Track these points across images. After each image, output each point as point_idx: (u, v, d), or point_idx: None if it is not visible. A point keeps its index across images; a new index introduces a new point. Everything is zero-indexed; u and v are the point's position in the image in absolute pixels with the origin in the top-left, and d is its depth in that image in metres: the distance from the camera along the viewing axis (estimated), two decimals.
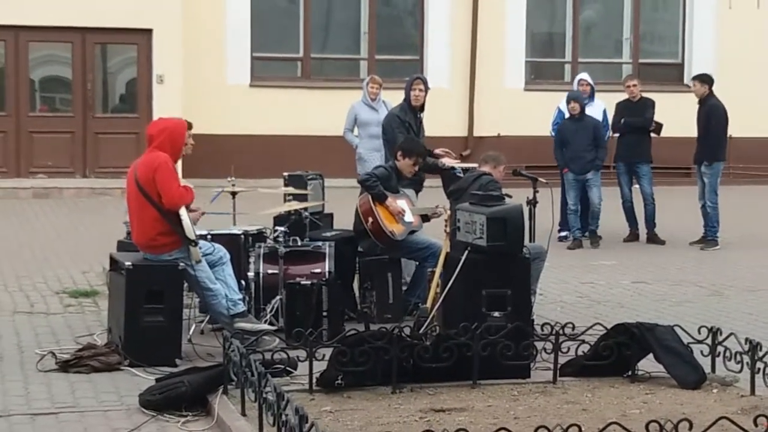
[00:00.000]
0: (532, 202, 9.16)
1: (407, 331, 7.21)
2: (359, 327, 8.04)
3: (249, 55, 19.93)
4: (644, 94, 14.33)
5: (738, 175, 20.07)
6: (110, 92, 19.79)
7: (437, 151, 10.26)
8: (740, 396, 6.90)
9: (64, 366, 7.62)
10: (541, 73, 21.65)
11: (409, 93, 10.42)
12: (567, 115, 13.76)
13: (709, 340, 7.35)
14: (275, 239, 9.09)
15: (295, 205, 9.78)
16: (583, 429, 5.23)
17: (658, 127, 14.09)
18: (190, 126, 8.43)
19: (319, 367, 6.88)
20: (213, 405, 6.58)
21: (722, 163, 13.84)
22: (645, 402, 6.76)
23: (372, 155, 11.90)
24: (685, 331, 7.35)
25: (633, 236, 14.18)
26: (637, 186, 14.20)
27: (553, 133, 14.19)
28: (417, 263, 9.42)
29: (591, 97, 14.10)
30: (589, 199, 13.67)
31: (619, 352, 7.24)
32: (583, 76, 14.47)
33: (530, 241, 8.86)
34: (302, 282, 8.50)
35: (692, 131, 13.88)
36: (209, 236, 8.60)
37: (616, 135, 14.28)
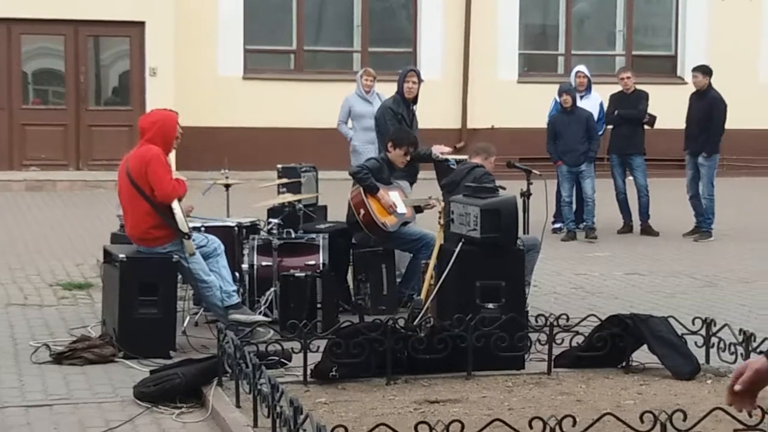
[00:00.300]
0: (526, 194, 9.17)
1: (401, 322, 7.21)
2: (353, 318, 8.04)
3: (242, 48, 19.91)
4: (638, 87, 14.34)
5: (731, 167, 20.10)
6: (103, 85, 19.76)
7: (434, 147, 10.26)
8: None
9: (58, 358, 7.61)
10: (534, 65, 21.66)
11: (402, 85, 10.40)
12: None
13: (703, 331, 7.36)
14: (269, 231, 9.09)
15: (288, 197, 9.77)
16: (577, 420, 5.24)
17: (652, 119, 14.10)
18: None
19: (314, 358, 6.88)
20: (207, 397, 6.57)
21: (719, 155, 13.91)
22: (639, 393, 6.77)
23: (366, 147, 11.90)
24: (679, 322, 7.36)
25: (627, 228, 14.20)
26: (630, 178, 14.21)
27: None
28: (411, 255, 9.42)
29: (588, 89, 14.11)
30: (583, 192, 13.68)
31: (614, 343, 7.24)
32: (581, 68, 14.47)
33: (524, 232, 8.86)
34: (296, 274, 8.50)
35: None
36: (203, 228, 8.60)
37: (611, 127, 14.29)
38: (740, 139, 19.80)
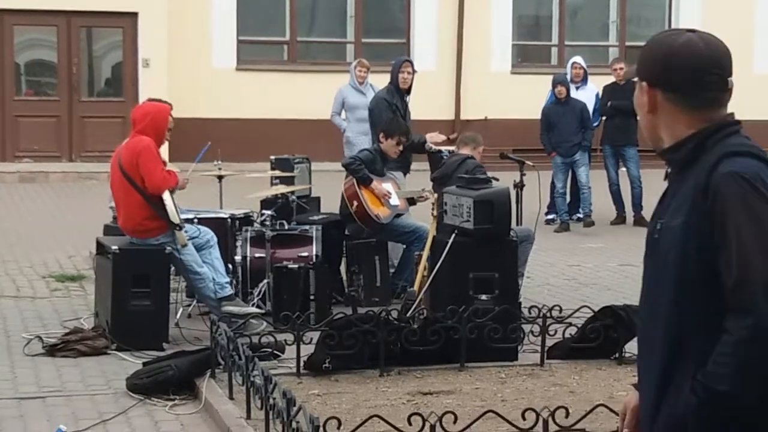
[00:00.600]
0: (519, 185, 9.17)
1: (395, 314, 7.22)
2: (347, 310, 8.04)
3: (235, 39, 19.87)
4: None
5: None
6: (96, 76, 19.72)
7: (428, 135, 10.26)
8: None
9: (51, 350, 7.60)
10: (527, 56, 21.65)
11: (397, 76, 10.39)
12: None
13: None
14: (262, 223, 9.08)
15: (281, 189, 9.76)
16: (570, 411, 5.25)
17: None
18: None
19: (307, 350, 6.89)
20: (200, 388, 6.57)
21: None
22: (632, 384, 6.78)
23: (360, 139, 11.89)
24: None
25: (620, 219, 14.21)
26: (624, 169, 14.22)
27: None
28: (404, 246, 9.42)
29: (584, 80, 14.12)
30: (577, 180, 13.68)
31: (606, 334, 7.25)
32: (577, 59, 14.47)
33: (517, 224, 8.87)
34: (289, 265, 8.49)
35: None
36: (196, 220, 8.59)
37: (604, 118, 14.29)
38: None
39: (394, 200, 9.30)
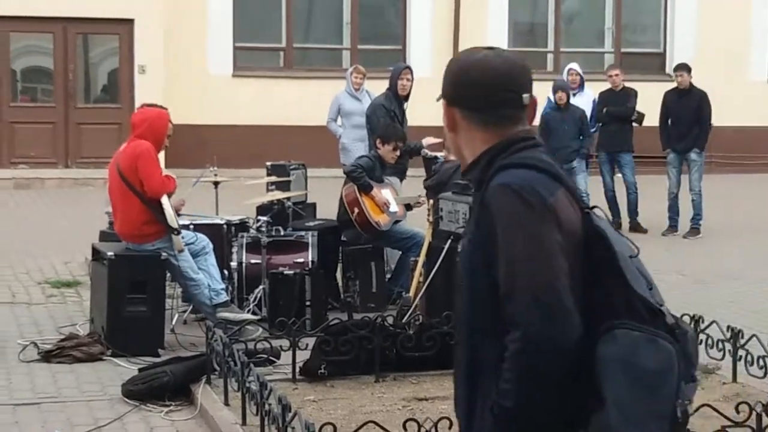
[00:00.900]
0: None
1: (390, 320, 7.22)
2: (342, 316, 8.03)
3: (231, 45, 19.87)
4: (626, 84, 14.36)
5: (719, 165, 20.13)
6: (92, 82, 19.71)
7: (425, 140, 10.28)
8: (722, 383, 6.93)
9: (47, 356, 7.60)
10: None
11: (396, 82, 10.41)
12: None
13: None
14: (258, 229, 9.08)
15: (277, 195, 9.77)
16: None
17: (640, 116, 14.13)
18: None
19: (303, 356, 6.89)
20: (196, 394, 6.57)
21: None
22: None
23: (356, 145, 11.89)
24: None
25: (616, 225, 14.18)
26: (619, 175, 14.23)
27: None
28: (401, 252, 9.42)
29: (581, 86, 14.13)
30: None
31: None
32: (573, 66, 14.48)
33: None
34: (285, 272, 8.49)
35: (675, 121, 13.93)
36: (192, 226, 8.59)
37: (600, 124, 14.30)
38: (729, 137, 19.85)
39: (393, 207, 9.31)
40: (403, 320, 7.44)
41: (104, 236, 9.20)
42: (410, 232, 9.29)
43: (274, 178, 10.30)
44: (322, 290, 8.60)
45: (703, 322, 7.36)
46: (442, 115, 2.80)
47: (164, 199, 7.91)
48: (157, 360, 7.31)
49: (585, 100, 14.04)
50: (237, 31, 19.88)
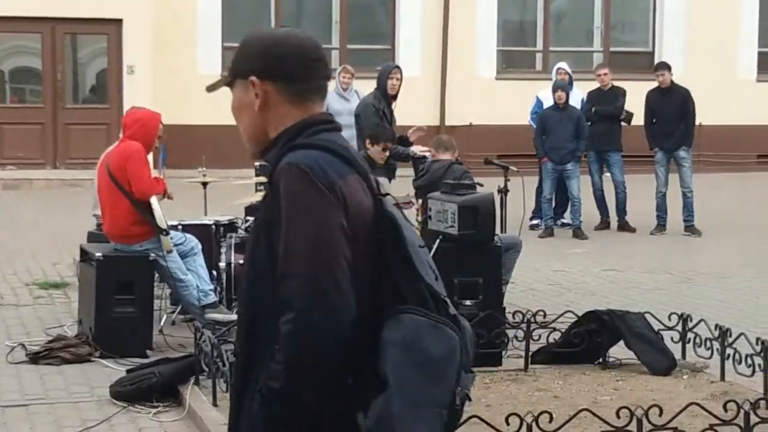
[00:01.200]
0: (504, 191, 9.18)
1: None
2: None
3: (220, 45, 19.84)
4: (615, 83, 14.38)
5: (708, 163, 20.17)
6: (80, 83, 19.68)
7: (410, 131, 10.28)
8: (710, 382, 6.94)
9: (35, 358, 7.58)
10: (512, 62, 21.67)
11: (385, 81, 10.41)
12: (546, 105, 13.83)
13: (679, 327, 7.39)
14: (247, 229, 9.06)
15: None
16: (554, 416, 5.25)
17: (629, 115, 14.14)
18: None
19: None
20: (184, 395, 6.56)
21: None
22: (616, 389, 6.79)
23: None
24: (656, 318, 7.38)
25: (604, 224, 14.22)
26: (608, 174, 14.24)
27: (531, 123, 14.22)
28: None
29: (569, 86, 14.14)
30: (569, 191, 13.63)
31: (590, 339, 7.26)
32: (562, 65, 14.49)
33: (501, 229, 8.87)
34: None
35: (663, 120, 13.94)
36: (180, 227, 8.57)
37: (589, 123, 14.31)
38: (718, 135, 19.89)
39: None
40: None
41: (92, 237, 9.17)
42: None
43: (262, 179, 10.28)
44: None
45: (691, 320, 7.37)
46: (239, 96, 2.76)
47: (153, 199, 7.91)
48: (146, 361, 7.29)
49: (573, 100, 14.04)
50: (226, 30, 19.85)
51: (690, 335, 7.32)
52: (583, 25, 22.39)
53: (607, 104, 14.07)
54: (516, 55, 21.89)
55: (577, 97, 14.22)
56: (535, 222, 13.87)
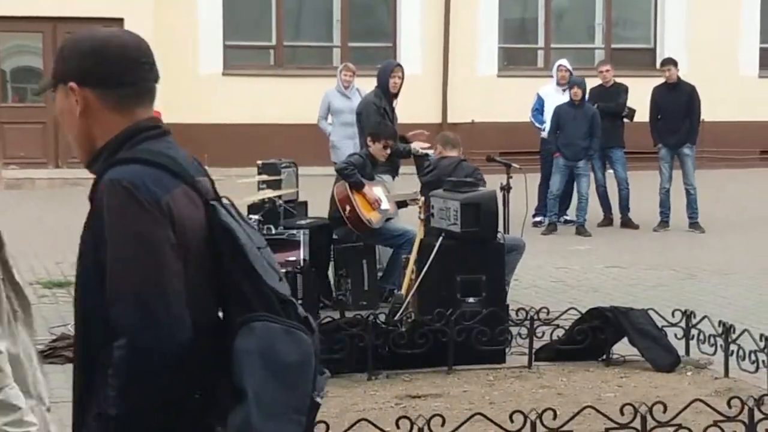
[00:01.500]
0: (506, 188, 9.18)
1: (382, 317, 7.22)
2: (334, 314, 8.03)
3: (221, 44, 19.85)
4: (617, 80, 14.37)
5: (710, 159, 20.15)
6: None
7: (410, 134, 10.27)
8: (714, 378, 6.94)
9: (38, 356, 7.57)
10: (514, 59, 21.66)
11: (387, 80, 10.39)
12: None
13: (683, 323, 7.39)
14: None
15: (269, 194, 9.75)
16: (558, 413, 5.25)
17: (631, 112, 14.13)
18: None
19: None
20: None
21: None
22: (620, 385, 6.79)
23: (345, 143, 11.88)
24: (659, 315, 7.38)
25: (607, 221, 14.22)
26: (610, 171, 14.23)
27: (532, 119, 14.22)
28: (392, 250, 9.42)
29: (570, 83, 14.13)
30: (577, 188, 13.62)
31: (594, 336, 7.26)
32: (563, 62, 14.48)
33: (504, 227, 8.87)
34: None
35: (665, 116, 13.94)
36: None
37: None
38: (720, 132, 19.87)
39: (385, 204, 9.31)
40: (395, 318, 7.44)
41: None
42: (402, 229, 9.28)
43: (265, 177, 10.28)
44: (313, 288, 8.60)
45: (694, 317, 7.37)
46: (60, 102, 2.61)
47: None
48: None
49: None
50: (227, 29, 19.86)
51: (693, 332, 7.32)
52: (585, 22, 22.38)
53: (609, 101, 14.06)
54: (517, 53, 21.88)
55: None
56: (537, 219, 13.86)
